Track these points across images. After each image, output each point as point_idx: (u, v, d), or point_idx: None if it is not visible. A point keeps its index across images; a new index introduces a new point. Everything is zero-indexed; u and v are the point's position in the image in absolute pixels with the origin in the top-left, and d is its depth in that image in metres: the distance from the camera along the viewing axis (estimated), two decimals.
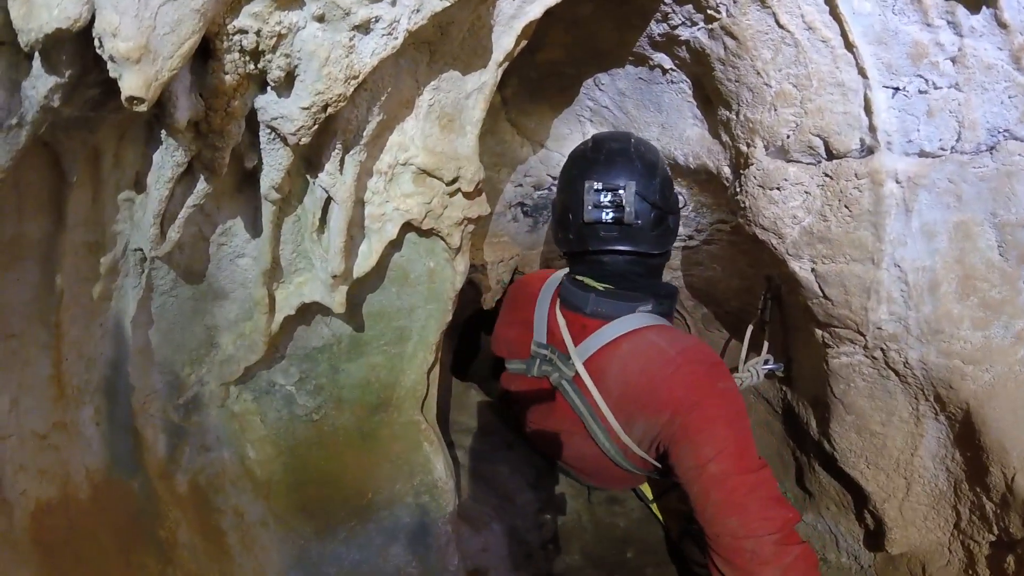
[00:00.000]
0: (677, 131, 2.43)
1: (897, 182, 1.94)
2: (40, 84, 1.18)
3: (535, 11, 1.88)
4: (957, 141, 1.90)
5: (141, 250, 1.57)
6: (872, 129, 1.95)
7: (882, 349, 2.09)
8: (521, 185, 2.79)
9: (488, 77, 1.91)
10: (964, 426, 1.99)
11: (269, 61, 1.38)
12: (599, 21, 2.22)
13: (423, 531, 2.08)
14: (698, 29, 2.11)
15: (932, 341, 1.98)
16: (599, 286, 2.14)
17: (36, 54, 1.15)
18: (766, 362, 2.46)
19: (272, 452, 1.96)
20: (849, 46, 1.92)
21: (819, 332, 2.21)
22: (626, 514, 2.61)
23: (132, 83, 1.13)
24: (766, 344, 2.56)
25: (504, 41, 1.89)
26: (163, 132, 1.44)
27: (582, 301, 2.12)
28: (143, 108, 1.15)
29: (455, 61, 1.82)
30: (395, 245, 1.91)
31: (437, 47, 1.76)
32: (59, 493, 1.57)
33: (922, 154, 1.91)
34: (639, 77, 2.38)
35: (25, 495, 1.49)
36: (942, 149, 1.89)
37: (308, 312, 1.90)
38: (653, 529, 2.55)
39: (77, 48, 1.17)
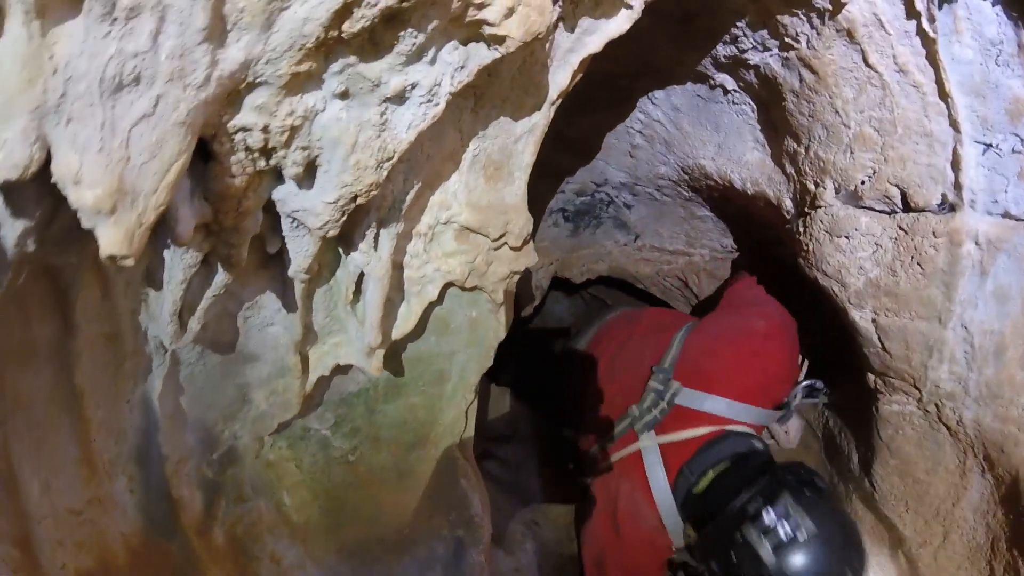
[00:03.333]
0: (736, 153, 2.12)
1: (976, 243, 1.70)
2: (9, 230, 0.91)
3: (595, 44, 1.59)
4: None
5: (160, 338, 1.36)
6: (957, 186, 1.70)
7: (937, 405, 1.86)
8: (563, 191, 2.59)
9: (540, 118, 1.57)
10: (1010, 489, 1.81)
11: (283, 157, 1.09)
12: (656, 36, 1.93)
13: (457, 560, 2.02)
14: (771, 56, 1.84)
15: (990, 404, 1.78)
16: None
17: None
18: (813, 386, 2.28)
19: (308, 496, 1.81)
20: (944, 95, 1.65)
21: (872, 378, 1.98)
22: None
23: (110, 239, 0.84)
24: (805, 364, 2.43)
25: (559, 78, 1.59)
26: (168, 246, 1.18)
27: None
28: (130, 263, 0.87)
29: (504, 104, 1.50)
30: (436, 303, 1.68)
31: (484, 91, 1.44)
32: (98, 563, 1.45)
33: (1006, 216, 1.63)
34: (696, 94, 2.07)
35: (64, 569, 1.42)
36: None
37: (344, 369, 1.79)
38: None
39: (41, 188, 0.87)
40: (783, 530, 1.57)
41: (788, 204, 2.05)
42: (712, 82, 1.99)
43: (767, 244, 2.40)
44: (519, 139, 1.62)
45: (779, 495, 1.63)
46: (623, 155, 2.38)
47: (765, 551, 1.57)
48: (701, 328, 2.15)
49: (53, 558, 1.38)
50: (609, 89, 2.12)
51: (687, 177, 2.36)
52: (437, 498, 2.00)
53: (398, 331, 1.63)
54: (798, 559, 1.55)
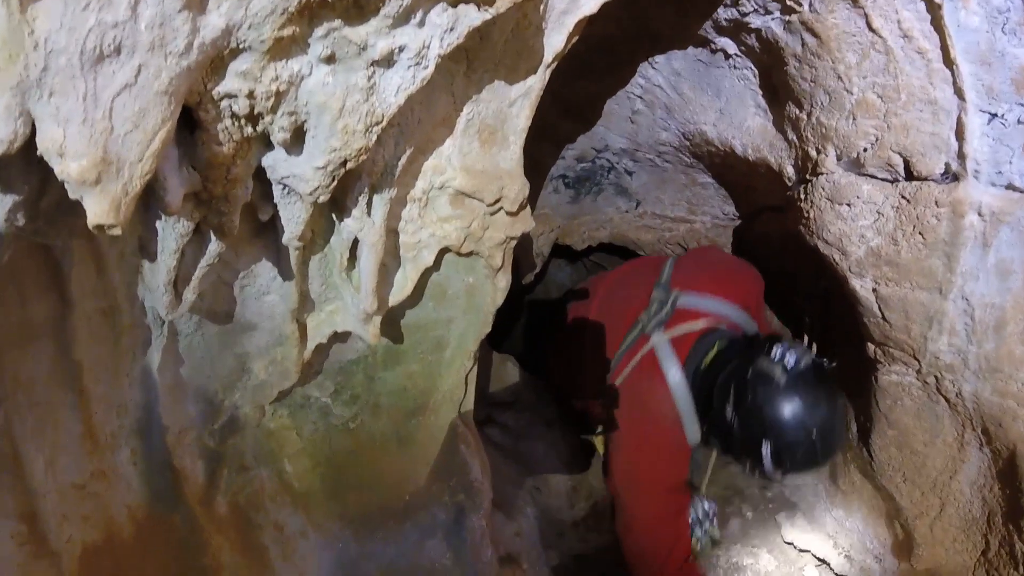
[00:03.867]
0: (737, 119, 2.08)
1: (979, 215, 1.67)
2: None
3: (590, 5, 1.55)
4: None
5: (156, 309, 1.37)
6: (961, 155, 1.66)
7: (936, 377, 1.85)
8: (563, 158, 2.55)
9: (535, 81, 1.58)
10: (1008, 463, 1.82)
11: (270, 123, 1.08)
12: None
13: (458, 526, 2.04)
14: (772, 19, 1.78)
15: (989, 378, 1.78)
16: None
17: None
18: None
19: (309, 464, 1.82)
20: (948, 62, 1.60)
21: (871, 348, 1.98)
22: None
23: (97, 209, 0.84)
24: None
25: (554, 40, 1.55)
26: (159, 215, 1.17)
27: None
28: (117, 232, 0.87)
29: (497, 68, 1.47)
30: (432, 268, 1.67)
31: (476, 54, 1.41)
32: (104, 536, 1.46)
33: (1010, 188, 1.61)
34: (698, 59, 2.03)
35: (71, 542, 1.40)
36: None
37: (342, 334, 1.80)
38: None
39: (27, 161, 0.87)
40: (791, 356, 1.76)
41: (789, 170, 2.02)
42: (713, 46, 1.95)
43: (768, 211, 2.37)
44: (514, 103, 1.59)
45: (781, 339, 1.84)
46: (624, 121, 2.34)
47: (778, 371, 1.73)
48: (688, 254, 2.42)
49: (60, 532, 1.41)
50: (608, 54, 2.08)
51: (688, 143, 2.33)
52: (437, 464, 2.02)
53: (394, 297, 1.62)
54: (808, 375, 1.75)
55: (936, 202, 1.70)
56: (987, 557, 1.94)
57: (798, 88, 1.83)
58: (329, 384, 1.88)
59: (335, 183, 1.23)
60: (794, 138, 1.95)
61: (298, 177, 1.19)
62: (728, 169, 2.33)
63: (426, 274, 1.69)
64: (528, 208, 1.75)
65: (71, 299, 1.27)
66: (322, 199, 1.24)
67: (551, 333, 2.49)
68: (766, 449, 1.73)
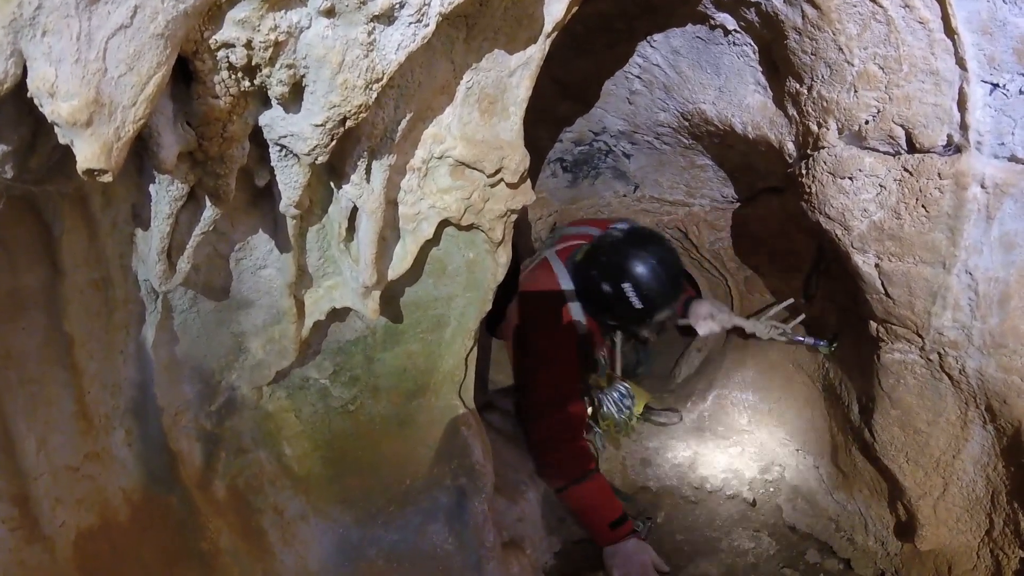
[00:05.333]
0: (736, 97, 2.07)
1: (982, 187, 1.66)
2: None
3: None
4: None
5: (150, 282, 1.32)
6: (963, 126, 1.65)
7: (939, 353, 1.83)
8: (561, 140, 2.52)
9: (535, 51, 1.52)
10: (1012, 441, 1.80)
11: (268, 76, 1.04)
12: None
13: (460, 510, 2.00)
14: None
15: (993, 354, 1.75)
16: None
17: None
18: (816, 345, 2.38)
19: (309, 447, 1.80)
20: (950, 32, 1.59)
21: (874, 325, 1.95)
22: (658, 477, 2.58)
23: (87, 153, 0.81)
24: (801, 316, 2.44)
25: (554, 9, 1.49)
26: (152, 172, 1.14)
27: None
28: (108, 179, 0.84)
29: (497, 35, 1.45)
30: (432, 242, 1.64)
31: (476, 20, 1.39)
32: (99, 519, 1.43)
33: (1013, 159, 1.59)
34: (696, 36, 2.00)
35: (65, 526, 1.36)
36: None
37: (340, 311, 1.75)
38: (684, 494, 2.52)
39: (18, 109, 0.84)
40: (624, 224, 2.37)
41: (790, 147, 2.00)
42: (712, 22, 1.93)
43: (768, 193, 2.36)
44: (514, 72, 1.57)
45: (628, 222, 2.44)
46: (621, 101, 2.32)
47: (616, 234, 2.31)
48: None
49: (52, 516, 1.37)
50: (607, 31, 2.06)
51: (687, 123, 2.30)
52: (438, 447, 1.99)
53: (394, 271, 1.59)
54: (638, 230, 2.36)
55: (939, 174, 1.68)
56: (991, 536, 1.92)
57: (798, 62, 1.81)
58: (328, 365, 1.85)
59: (333, 143, 1.20)
60: (795, 113, 1.93)
61: (296, 136, 1.16)
62: (727, 149, 2.31)
63: (426, 248, 1.66)
64: (528, 181, 1.72)
65: (63, 268, 1.23)
66: (320, 160, 1.21)
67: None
68: (629, 290, 2.23)
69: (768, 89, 2.02)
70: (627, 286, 2.22)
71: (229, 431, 1.70)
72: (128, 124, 0.84)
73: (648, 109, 2.33)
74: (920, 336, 1.87)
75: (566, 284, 2.41)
